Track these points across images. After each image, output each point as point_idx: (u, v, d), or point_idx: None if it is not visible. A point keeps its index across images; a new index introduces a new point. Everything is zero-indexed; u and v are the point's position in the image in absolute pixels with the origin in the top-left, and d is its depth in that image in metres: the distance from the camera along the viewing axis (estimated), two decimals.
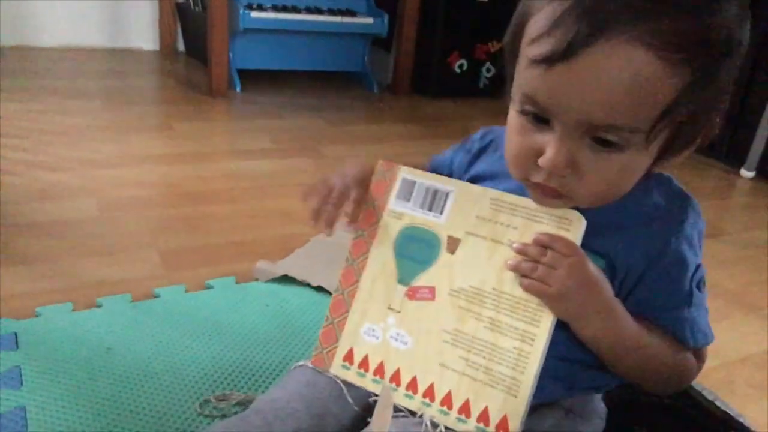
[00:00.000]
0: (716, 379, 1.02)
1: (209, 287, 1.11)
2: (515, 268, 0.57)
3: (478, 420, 0.57)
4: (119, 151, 1.71)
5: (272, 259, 1.20)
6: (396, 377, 0.62)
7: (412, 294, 0.62)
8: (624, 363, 0.60)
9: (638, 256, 0.59)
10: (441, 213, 0.63)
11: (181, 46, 2.99)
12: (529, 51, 0.50)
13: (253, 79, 2.50)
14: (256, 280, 1.14)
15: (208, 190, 1.54)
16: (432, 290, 0.62)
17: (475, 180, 0.68)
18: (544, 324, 0.56)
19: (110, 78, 2.48)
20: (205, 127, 2.04)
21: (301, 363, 0.67)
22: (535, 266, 0.56)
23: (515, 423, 0.56)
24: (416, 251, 0.63)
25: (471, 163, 0.71)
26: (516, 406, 0.56)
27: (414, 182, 0.64)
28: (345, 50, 2.65)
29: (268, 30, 2.41)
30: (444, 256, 0.62)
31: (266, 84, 2.54)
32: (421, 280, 0.62)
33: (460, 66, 2.65)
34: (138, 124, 1.98)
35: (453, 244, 0.62)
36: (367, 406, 0.63)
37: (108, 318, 0.99)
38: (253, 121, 2.14)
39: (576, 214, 0.56)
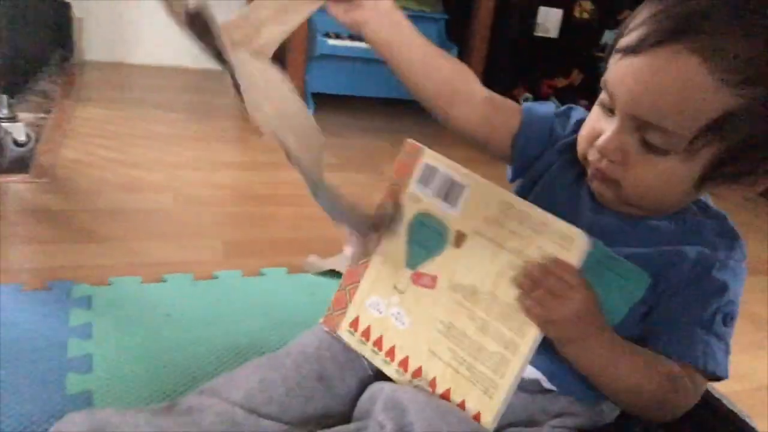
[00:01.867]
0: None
1: (262, 274, 1.20)
2: (517, 283, 0.58)
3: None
4: (197, 156, 1.86)
5: (322, 256, 1.28)
6: (391, 353, 0.66)
7: (416, 279, 0.65)
8: (609, 389, 0.62)
9: (681, 276, 0.62)
10: (455, 206, 0.64)
11: None
12: (618, 41, 0.57)
13: (325, 102, 2.64)
14: (306, 272, 1.23)
15: (273, 194, 1.65)
16: (434, 279, 0.64)
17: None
18: (529, 337, 0.57)
19: (194, 94, 2.68)
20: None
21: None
22: (535, 286, 0.57)
23: (488, 419, 0.59)
24: (426, 238, 0.65)
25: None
26: (491, 406, 0.59)
27: (436, 169, 0.66)
28: None
29: (343, 57, 2.55)
30: (450, 248, 0.63)
31: (337, 107, 2.67)
32: (426, 268, 0.65)
33: (525, 99, 2.71)
34: (216, 134, 2.14)
35: (460, 239, 0.63)
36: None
37: (171, 291, 1.10)
38: None
39: (579, 233, 0.56)
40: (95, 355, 0.90)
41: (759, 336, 1.27)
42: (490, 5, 2.60)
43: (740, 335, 0.66)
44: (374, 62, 2.60)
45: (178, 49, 3.02)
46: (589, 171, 0.64)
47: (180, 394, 0.84)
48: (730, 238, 0.64)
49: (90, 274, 1.12)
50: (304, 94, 2.53)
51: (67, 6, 2.67)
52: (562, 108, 0.75)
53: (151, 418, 0.63)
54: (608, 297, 0.62)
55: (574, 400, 0.67)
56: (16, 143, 1.60)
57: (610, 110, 0.59)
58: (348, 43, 2.51)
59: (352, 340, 0.69)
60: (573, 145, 0.68)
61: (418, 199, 0.66)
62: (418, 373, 0.64)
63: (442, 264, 0.64)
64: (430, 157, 0.67)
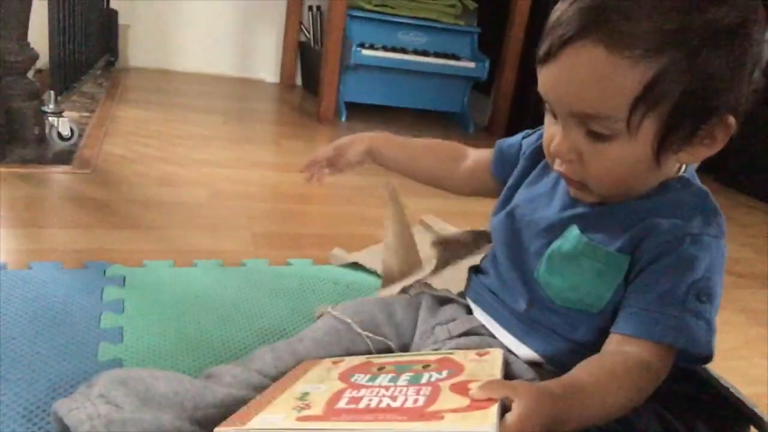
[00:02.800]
0: None
1: (289, 264, 1.24)
2: None
3: None
4: (232, 156, 1.92)
5: (348, 251, 1.32)
6: None
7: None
8: (609, 417, 0.59)
9: (651, 249, 0.62)
10: None
11: (298, 81, 3.26)
12: (537, 54, 0.61)
13: (358, 111, 2.70)
14: (331, 263, 1.27)
15: (303, 193, 1.70)
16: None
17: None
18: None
19: (232, 100, 2.76)
20: (309, 145, 2.24)
21: (329, 308, 0.80)
22: None
23: None
24: None
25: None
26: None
27: None
28: (446, 91, 2.80)
29: (377, 67, 2.60)
30: None
31: (370, 117, 2.72)
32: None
33: None
34: (251, 137, 2.20)
35: None
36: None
37: (201, 275, 1.14)
38: None
39: (482, 415, 0.48)
40: (126, 328, 0.95)
41: None
42: (523, 19, 2.63)
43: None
44: (406, 73, 2.65)
45: (219, 58, 3.12)
46: (564, 179, 0.67)
47: (203, 368, 0.87)
48: (708, 214, 0.64)
49: (125, 256, 1.17)
50: (338, 104, 2.59)
51: (114, 13, 2.79)
52: (533, 130, 0.81)
53: (171, 376, 0.67)
54: (591, 284, 0.64)
55: None
56: (61, 137, 1.68)
57: (554, 115, 0.62)
58: (382, 53, 2.57)
59: None
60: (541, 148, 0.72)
61: None
62: None
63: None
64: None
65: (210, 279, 1.13)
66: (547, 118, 0.65)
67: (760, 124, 2.32)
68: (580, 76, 0.56)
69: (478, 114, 2.88)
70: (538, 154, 0.75)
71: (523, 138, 0.81)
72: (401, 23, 2.63)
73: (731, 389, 0.74)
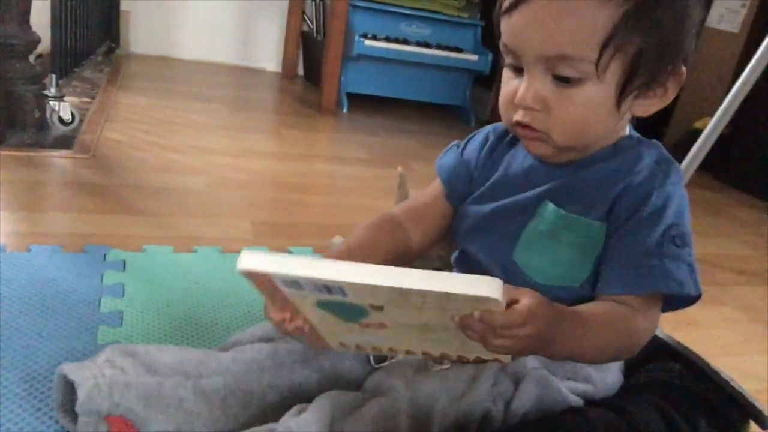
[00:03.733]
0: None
1: (289, 251, 1.24)
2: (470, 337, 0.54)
3: None
4: (232, 144, 1.92)
5: None
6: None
7: (364, 327, 0.56)
8: (593, 359, 0.65)
9: (623, 208, 0.64)
10: (344, 294, 0.50)
11: (300, 71, 3.25)
12: (501, 7, 0.62)
13: (360, 102, 2.69)
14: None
15: (304, 183, 1.70)
16: (382, 324, 0.55)
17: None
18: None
19: (234, 89, 2.75)
20: (310, 136, 2.23)
21: None
22: (485, 337, 0.53)
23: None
24: (344, 311, 0.53)
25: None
26: None
27: (296, 280, 0.49)
28: (448, 84, 2.80)
29: (379, 58, 2.60)
30: (375, 312, 0.52)
31: (371, 108, 2.72)
32: (367, 321, 0.54)
33: None
34: (252, 126, 2.20)
35: (378, 308, 0.52)
36: None
37: (200, 261, 1.14)
38: (353, 136, 2.31)
39: (485, 287, 0.46)
40: (126, 311, 0.94)
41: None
42: None
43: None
44: (409, 65, 2.65)
45: (220, 46, 3.11)
46: (520, 134, 0.66)
47: None
48: (666, 163, 0.66)
49: (125, 241, 1.17)
50: (339, 94, 2.59)
51: (117, 0, 2.78)
52: (463, 141, 0.80)
53: (178, 348, 0.67)
54: (572, 258, 0.66)
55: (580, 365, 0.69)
56: (62, 121, 1.67)
57: (516, 69, 0.63)
58: (384, 44, 2.56)
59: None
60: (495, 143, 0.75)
61: (304, 295, 0.52)
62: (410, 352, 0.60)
63: (380, 316, 0.53)
64: (278, 277, 0.50)
65: (209, 265, 1.13)
66: (506, 74, 0.65)
67: (759, 122, 2.34)
68: (554, 14, 0.57)
69: (480, 107, 2.88)
70: (494, 148, 0.76)
71: (462, 150, 0.78)
72: (404, 14, 2.63)
73: (731, 382, 0.75)
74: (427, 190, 0.81)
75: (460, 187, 0.77)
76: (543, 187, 0.68)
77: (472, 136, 0.80)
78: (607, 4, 0.56)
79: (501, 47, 0.64)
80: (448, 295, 0.47)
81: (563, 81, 0.59)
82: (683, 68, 0.61)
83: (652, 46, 0.58)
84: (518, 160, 0.73)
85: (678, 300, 0.64)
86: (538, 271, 0.68)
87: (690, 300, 0.64)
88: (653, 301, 0.64)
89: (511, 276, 0.69)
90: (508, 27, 0.61)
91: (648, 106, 0.63)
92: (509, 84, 0.64)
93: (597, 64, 0.57)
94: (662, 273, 0.61)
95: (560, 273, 0.67)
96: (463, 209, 0.76)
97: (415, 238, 0.77)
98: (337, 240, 1.29)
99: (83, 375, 0.61)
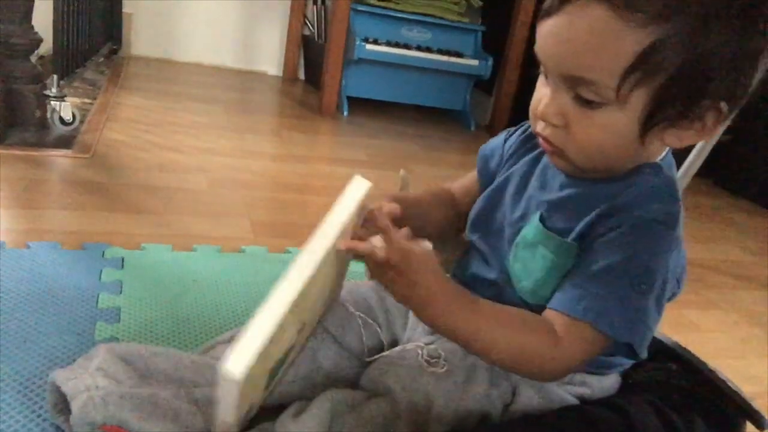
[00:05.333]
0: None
1: (288, 252, 1.24)
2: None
3: None
4: (232, 145, 1.92)
5: None
6: None
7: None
8: (484, 354, 0.60)
9: (596, 229, 0.60)
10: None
11: (301, 75, 3.26)
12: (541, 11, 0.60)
13: (360, 106, 2.69)
14: None
15: (303, 184, 1.70)
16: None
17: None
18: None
19: (235, 92, 2.76)
20: (310, 138, 2.24)
21: None
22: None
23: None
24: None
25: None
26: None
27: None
28: (448, 88, 2.80)
29: (380, 62, 2.60)
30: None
31: (372, 111, 2.72)
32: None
33: None
34: (252, 127, 2.20)
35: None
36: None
37: (199, 259, 1.14)
38: (353, 139, 2.31)
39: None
40: (123, 308, 0.94)
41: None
42: (528, 18, 2.63)
43: None
44: (410, 69, 2.65)
45: (222, 50, 3.12)
46: (541, 144, 0.64)
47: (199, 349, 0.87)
48: (665, 201, 0.60)
49: (124, 239, 1.17)
50: (340, 98, 2.59)
51: (119, 1, 2.78)
52: (515, 128, 0.78)
53: (171, 353, 0.67)
54: (543, 272, 0.63)
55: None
56: (63, 121, 1.67)
57: (546, 77, 0.60)
58: (385, 48, 2.56)
59: None
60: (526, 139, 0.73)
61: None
62: None
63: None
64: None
65: (208, 264, 1.13)
66: (540, 80, 0.63)
67: (759, 130, 2.34)
68: (576, 34, 0.54)
69: (480, 112, 2.88)
70: (524, 143, 0.75)
71: (506, 139, 0.78)
72: (406, 19, 2.63)
73: (728, 383, 0.75)
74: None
75: (486, 169, 0.78)
76: (541, 197, 0.67)
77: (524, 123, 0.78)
78: (636, 31, 0.52)
79: (534, 51, 0.61)
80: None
81: (584, 102, 0.56)
82: (723, 105, 0.56)
83: (685, 79, 0.53)
84: (540, 160, 0.71)
85: (622, 349, 0.61)
86: (516, 280, 0.67)
87: (631, 352, 0.60)
88: (580, 332, 0.58)
89: (506, 283, 0.68)
90: (539, 35, 0.59)
91: (683, 138, 0.58)
92: (539, 91, 0.62)
93: (617, 91, 0.54)
94: (600, 307, 0.57)
95: (531, 287, 0.65)
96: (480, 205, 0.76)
97: (466, 212, 0.78)
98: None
99: (76, 387, 0.60)
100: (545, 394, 0.69)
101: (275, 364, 0.56)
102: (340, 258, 0.60)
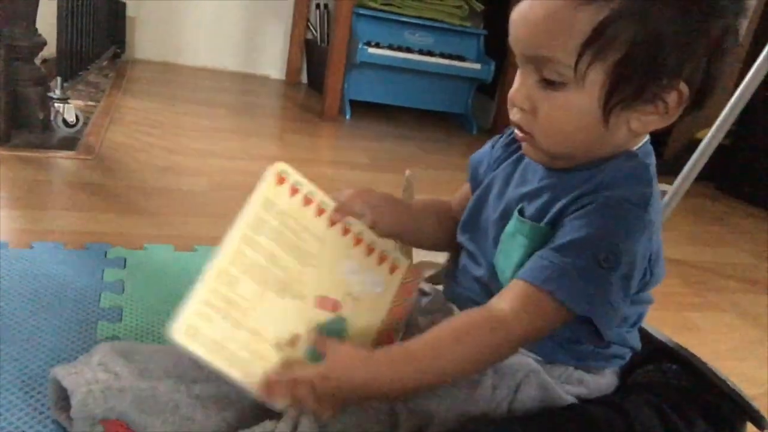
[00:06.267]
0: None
1: None
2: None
3: None
4: (234, 147, 1.93)
5: None
6: None
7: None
8: (445, 380, 0.60)
9: (565, 211, 0.61)
10: None
11: (304, 79, 3.27)
12: None
13: (362, 109, 2.70)
14: None
15: None
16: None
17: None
18: None
19: (237, 95, 2.77)
20: (312, 141, 2.24)
21: None
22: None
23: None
24: None
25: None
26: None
27: None
28: (451, 92, 2.81)
29: (382, 66, 2.61)
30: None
31: (374, 115, 2.73)
32: None
33: None
34: (254, 130, 2.21)
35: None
36: None
37: (201, 259, 1.14)
38: (355, 142, 2.32)
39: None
40: (125, 307, 0.95)
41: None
42: None
43: None
44: (412, 73, 2.66)
45: (225, 54, 3.13)
46: (515, 134, 0.65)
47: None
48: (636, 183, 0.61)
49: (126, 240, 1.17)
50: (342, 101, 2.60)
51: (123, 6, 2.80)
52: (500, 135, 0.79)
53: (171, 350, 0.67)
54: (519, 257, 0.63)
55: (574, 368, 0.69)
56: (66, 123, 1.68)
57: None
58: (388, 52, 2.57)
59: None
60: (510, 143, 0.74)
61: None
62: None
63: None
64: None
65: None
66: (518, 70, 0.64)
67: (761, 134, 2.34)
68: (535, 15, 0.57)
69: (482, 116, 2.89)
70: (507, 147, 0.75)
71: (492, 146, 0.79)
72: (408, 23, 2.64)
73: (727, 382, 0.75)
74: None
75: (476, 176, 0.79)
76: (520, 190, 0.68)
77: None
78: (586, 6, 0.54)
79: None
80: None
81: (548, 83, 0.58)
82: (683, 86, 0.57)
83: (639, 56, 0.55)
84: (525, 159, 0.72)
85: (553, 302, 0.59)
86: (501, 273, 0.67)
87: (599, 337, 0.59)
88: (539, 302, 0.58)
89: (493, 278, 0.69)
90: (510, 22, 0.61)
91: (646, 122, 0.60)
92: (516, 80, 0.63)
93: (575, 69, 0.56)
94: (561, 277, 0.57)
95: (510, 276, 0.64)
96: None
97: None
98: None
99: (77, 381, 0.60)
100: (546, 393, 0.69)
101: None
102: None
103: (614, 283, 0.58)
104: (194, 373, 0.65)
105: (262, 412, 0.65)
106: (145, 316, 0.94)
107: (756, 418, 0.73)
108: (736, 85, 1.49)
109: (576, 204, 0.60)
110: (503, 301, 0.59)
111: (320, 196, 0.70)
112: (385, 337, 0.70)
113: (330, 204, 0.70)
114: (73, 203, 1.31)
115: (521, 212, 0.66)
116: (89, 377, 0.60)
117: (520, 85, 0.61)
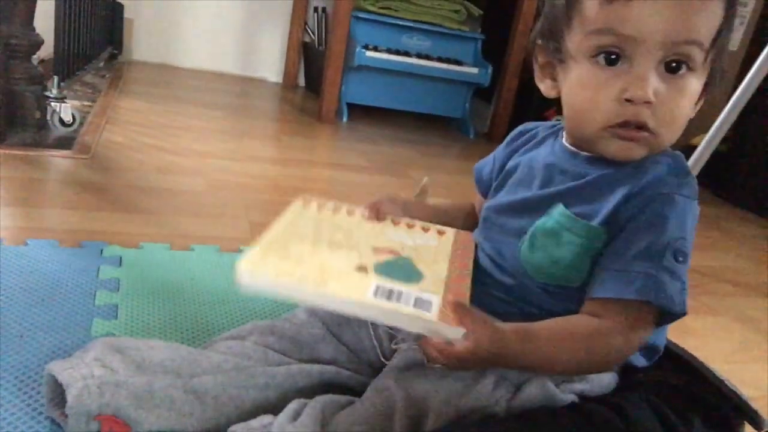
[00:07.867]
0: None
1: None
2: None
3: None
4: (231, 148, 1.93)
5: None
6: None
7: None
8: (554, 372, 0.63)
9: (625, 211, 0.62)
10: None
11: (301, 82, 3.27)
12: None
13: (360, 112, 2.70)
14: None
15: (302, 187, 1.70)
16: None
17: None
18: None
19: (234, 97, 2.77)
20: (309, 143, 2.24)
21: None
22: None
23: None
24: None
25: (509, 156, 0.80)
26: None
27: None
28: (448, 96, 2.81)
29: (380, 69, 2.61)
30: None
31: (371, 118, 2.73)
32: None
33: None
34: (251, 132, 2.21)
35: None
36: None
37: (197, 258, 1.14)
38: (352, 144, 2.32)
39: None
40: (121, 305, 0.94)
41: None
42: (528, 27, 2.65)
43: None
44: (409, 76, 2.66)
45: (222, 56, 3.13)
46: (623, 136, 0.63)
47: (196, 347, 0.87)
48: (680, 174, 0.64)
49: (122, 238, 1.17)
50: (340, 104, 2.60)
51: (120, 7, 2.80)
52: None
53: (167, 345, 0.66)
54: (571, 257, 0.64)
55: None
56: (63, 122, 1.68)
57: (612, 60, 0.60)
58: (385, 56, 2.58)
59: None
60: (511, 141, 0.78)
61: None
62: None
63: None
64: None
65: (206, 263, 1.13)
66: (597, 73, 0.62)
67: (758, 140, 2.35)
68: (690, 5, 0.58)
69: (479, 120, 2.89)
70: (510, 144, 0.80)
71: (494, 157, 0.83)
72: (406, 26, 2.65)
73: (726, 382, 0.75)
74: None
75: (480, 178, 0.83)
76: (559, 187, 0.68)
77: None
78: (721, 3, 0.59)
79: (596, 37, 0.60)
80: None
81: (673, 71, 0.60)
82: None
83: (722, 41, 0.61)
84: (540, 155, 0.73)
85: (662, 318, 0.62)
86: (537, 269, 0.68)
87: (675, 318, 0.62)
88: (638, 313, 0.61)
89: (515, 272, 0.69)
90: (630, 11, 0.58)
91: (698, 104, 0.66)
92: (604, 82, 0.61)
93: (706, 56, 0.59)
94: (655, 283, 0.59)
95: (558, 273, 0.66)
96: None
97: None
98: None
99: (72, 376, 0.60)
100: (546, 391, 0.68)
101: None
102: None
103: (686, 272, 0.61)
104: (192, 368, 0.64)
105: (262, 407, 0.64)
106: (140, 314, 0.93)
107: (754, 419, 0.73)
108: (733, 91, 1.49)
109: (631, 204, 0.62)
110: (607, 313, 0.61)
111: (347, 206, 0.75)
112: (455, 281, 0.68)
113: (359, 208, 0.74)
114: (69, 201, 1.30)
115: (567, 207, 0.66)
116: (85, 372, 0.59)
117: (643, 80, 0.59)
